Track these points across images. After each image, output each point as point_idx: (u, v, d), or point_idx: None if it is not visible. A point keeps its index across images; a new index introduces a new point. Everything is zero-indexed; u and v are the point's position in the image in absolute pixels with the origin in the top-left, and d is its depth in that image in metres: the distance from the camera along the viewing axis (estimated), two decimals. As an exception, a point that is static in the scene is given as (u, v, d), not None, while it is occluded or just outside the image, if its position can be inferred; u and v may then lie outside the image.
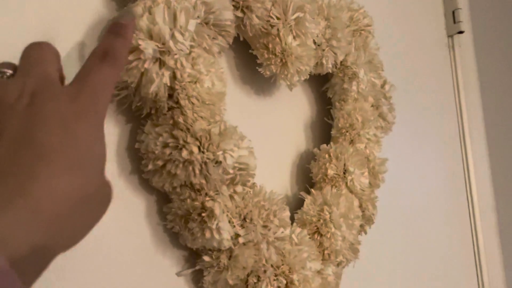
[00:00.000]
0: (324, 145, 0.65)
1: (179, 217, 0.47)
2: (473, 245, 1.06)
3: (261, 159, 0.61)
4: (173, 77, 0.45)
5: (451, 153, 1.06)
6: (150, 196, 0.49)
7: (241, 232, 0.48)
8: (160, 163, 0.45)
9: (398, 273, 0.87)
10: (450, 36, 1.09)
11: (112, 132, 0.47)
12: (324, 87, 0.70)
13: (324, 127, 0.69)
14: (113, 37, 0.39)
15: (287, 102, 0.67)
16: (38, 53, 0.37)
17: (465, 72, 1.09)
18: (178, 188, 0.47)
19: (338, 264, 0.60)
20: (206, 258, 0.48)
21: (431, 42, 1.07)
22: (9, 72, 0.36)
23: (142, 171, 0.47)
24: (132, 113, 0.47)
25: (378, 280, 0.82)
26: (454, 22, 1.08)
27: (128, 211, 0.47)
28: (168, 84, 0.44)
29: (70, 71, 0.43)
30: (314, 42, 0.62)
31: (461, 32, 1.08)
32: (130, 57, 0.43)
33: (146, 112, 0.46)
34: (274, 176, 0.64)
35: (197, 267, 0.50)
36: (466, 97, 1.07)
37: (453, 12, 1.09)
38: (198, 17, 0.47)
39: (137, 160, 0.47)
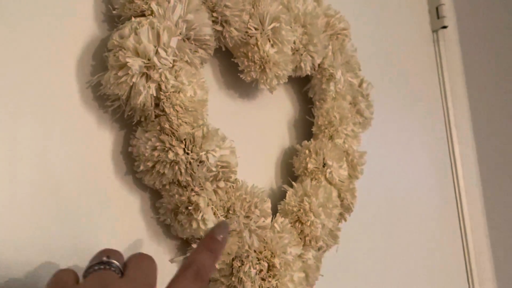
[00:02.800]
0: (305, 141, 0.71)
1: (169, 211, 0.54)
2: (462, 238, 1.11)
3: (248, 156, 0.68)
4: (159, 88, 0.51)
5: (437, 147, 1.11)
6: (144, 193, 0.55)
7: (225, 222, 0.54)
8: (150, 164, 0.51)
9: (388, 267, 0.92)
10: (435, 31, 1.14)
11: (108, 138, 0.53)
12: (305, 88, 0.76)
13: (306, 125, 0.75)
14: (207, 255, 0.42)
15: (271, 103, 0.73)
16: (149, 266, 0.42)
17: (450, 65, 1.14)
18: (167, 185, 0.53)
19: (319, 249, 0.66)
20: (194, 246, 0.55)
21: (416, 38, 1.12)
22: (116, 264, 0.40)
23: (135, 171, 0.53)
24: (125, 121, 0.54)
25: (369, 273, 0.88)
26: (438, 17, 1.13)
27: (124, 207, 0.54)
28: (154, 95, 0.51)
29: (67, 85, 0.50)
30: (293, 48, 0.68)
31: (444, 27, 1.12)
32: (120, 73, 0.49)
33: (136, 120, 0.52)
34: (260, 171, 0.70)
35: (188, 254, 0.56)
36: (451, 90, 1.12)
37: (437, 8, 1.14)
38: (180, 33, 0.54)
39: (131, 162, 0.53)
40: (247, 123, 0.69)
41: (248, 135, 0.69)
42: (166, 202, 0.54)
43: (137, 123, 0.53)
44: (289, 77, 0.73)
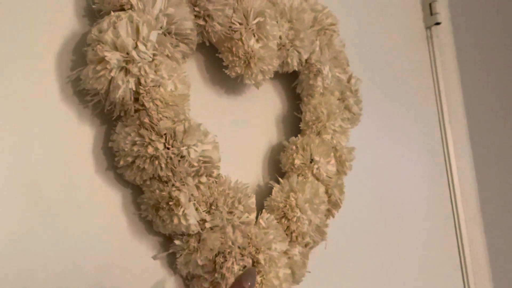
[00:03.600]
0: (293, 137, 0.70)
1: (150, 207, 0.53)
2: (457, 239, 1.10)
3: (235, 152, 0.68)
4: (138, 83, 0.50)
5: (432, 144, 1.10)
6: (125, 189, 0.55)
7: (207, 218, 0.54)
8: (130, 159, 0.51)
9: (381, 266, 0.91)
10: (428, 27, 1.13)
11: (89, 133, 0.53)
12: (293, 84, 0.75)
13: (294, 121, 0.74)
14: None
15: (259, 99, 0.72)
16: None
17: (444, 62, 1.13)
18: (148, 181, 0.53)
19: (306, 245, 0.65)
20: (177, 242, 0.54)
21: (409, 34, 1.12)
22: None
23: (116, 167, 0.53)
24: (106, 116, 0.53)
25: (363, 272, 0.87)
26: (431, 14, 1.13)
27: (106, 203, 0.53)
28: (134, 89, 0.50)
29: (47, 80, 0.50)
30: (279, 43, 0.67)
31: (438, 24, 1.12)
32: (98, 67, 0.49)
33: (116, 115, 0.52)
34: (247, 167, 0.69)
35: (170, 251, 0.56)
36: (445, 86, 1.11)
37: (430, 5, 1.13)
38: (160, 27, 0.53)
39: (112, 157, 0.53)
40: (233, 119, 0.69)
41: (235, 131, 0.69)
42: (147, 198, 0.53)
43: (117, 118, 0.52)
44: (277, 73, 0.72)
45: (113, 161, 0.53)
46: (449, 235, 1.10)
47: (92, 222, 0.52)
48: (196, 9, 0.57)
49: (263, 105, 0.73)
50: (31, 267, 0.47)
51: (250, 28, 0.62)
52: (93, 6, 0.53)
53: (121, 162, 0.51)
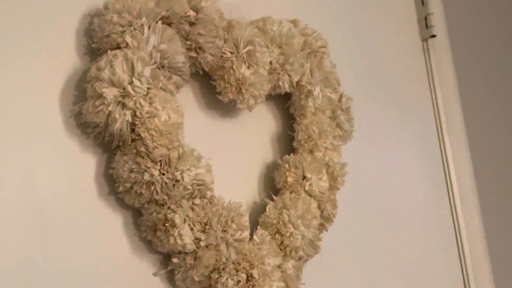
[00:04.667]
0: (286, 156, 0.74)
1: (149, 228, 0.58)
2: (457, 240, 1.12)
3: (233, 171, 0.72)
4: (134, 115, 0.55)
5: (431, 157, 1.13)
6: (126, 212, 0.59)
7: (202, 236, 0.58)
8: (128, 185, 0.56)
9: (382, 274, 0.94)
10: (425, 40, 1.17)
11: (91, 161, 0.58)
12: (287, 104, 0.79)
13: (289, 140, 0.78)
14: None
15: (254, 120, 0.77)
16: None
17: (441, 74, 1.16)
18: (145, 204, 0.57)
19: (299, 259, 0.69)
20: (174, 260, 0.59)
21: (406, 47, 1.15)
22: None
23: (117, 192, 0.57)
24: (106, 145, 0.58)
25: (365, 279, 0.90)
26: (427, 27, 1.16)
27: (108, 225, 0.58)
28: (130, 121, 0.55)
29: (52, 114, 0.55)
30: (270, 68, 0.72)
31: (433, 36, 1.15)
32: (97, 103, 0.54)
33: (115, 144, 0.57)
34: (243, 185, 0.74)
35: (169, 268, 0.60)
36: (443, 98, 1.14)
37: (425, 18, 1.16)
38: (154, 62, 0.58)
39: (112, 183, 0.58)
40: (230, 140, 0.73)
41: (231, 151, 0.73)
42: (145, 220, 0.58)
43: (116, 147, 0.57)
44: (271, 95, 0.76)
45: (114, 186, 0.57)
46: (450, 243, 1.12)
47: (96, 243, 0.57)
48: (188, 42, 0.62)
49: (258, 125, 0.77)
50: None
51: (240, 57, 0.67)
52: (93, 45, 0.58)
53: (120, 188, 0.56)
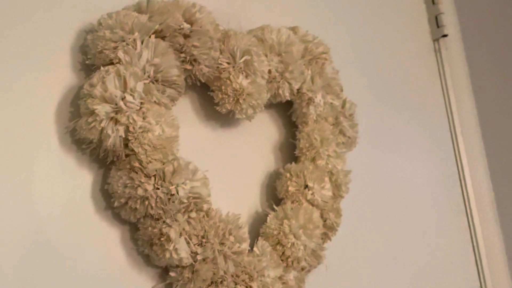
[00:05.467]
0: (288, 165, 0.74)
1: (146, 242, 0.58)
2: (473, 244, 1.09)
3: (235, 181, 0.72)
4: (127, 130, 0.55)
5: (444, 158, 1.10)
6: (123, 226, 0.60)
7: (199, 250, 0.58)
8: (123, 200, 0.56)
9: (395, 284, 0.93)
10: (436, 40, 1.14)
11: (88, 177, 0.58)
12: (289, 112, 0.79)
13: (292, 148, 0.77)
14: None
15: (255, 128, 0.76)
16: None
17: (454, 74, 1.13)
18: (141, 219, 0.57)
19: (302, 269, 0.68)
20: (172, 273, 0.59)
21: (417, 48, 1.13)
22: None
23: (113, 207, 0.58)
24: (102, 161, 0.58)
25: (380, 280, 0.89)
26: (438, 26, 1.13)
27: (107, 240, 0.58)
28: (123, 136, 0.55)
29: (48, 130, 0.55)
30: (269, 77, 0.71)
31: (445, 36, 1.12)
32: (90, 119, 0.54)
33: (110, 160, 0.57)
34: (246, 195, 0.73)
35: (167, 282, 0.60)
36: (456, 98, 1.12)
37: (436, 17, 1.14)
38: (148, 77, 0.58)
39: (109, 198, 0.58)
40: (231, 150, 0.73)
41: (233, 161, 0.73)
42: (142, 234, 0.58)
43: (111, 162, 0.57)
44: (272, 103, 0.76)
45: (110, 201, 0.58)
46: (466, 252, 1.09)
47: (95, 258, 0.57)
48: (182, 55, 0.62)
49: (261, 134, 0.77)
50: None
51: (238, 67, 0.66)
52: (87, 62, 0.59)
53: (116, 203, 0.56)
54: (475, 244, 1.07)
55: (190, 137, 0.69)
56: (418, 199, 1.02)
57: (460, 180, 1.09)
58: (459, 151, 1.09)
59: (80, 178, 0.58)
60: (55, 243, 0.55)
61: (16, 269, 0.51)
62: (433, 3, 1.15)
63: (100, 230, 0.58)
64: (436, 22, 1.14)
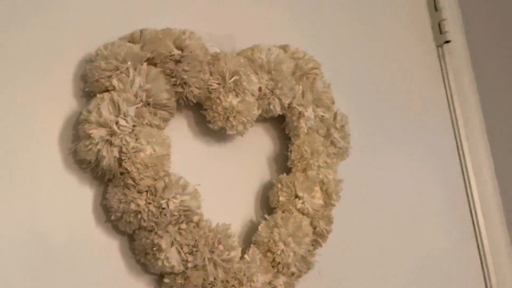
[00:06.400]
0: (280, 175, 0.78)
1: (141, 252, 0.64)
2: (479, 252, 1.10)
3: (231, 191, 0.77)
4: (121, 151, 0.61)
5: (449, 164, 1.11)
6: (122, 237, 0.66)
7: (189, 258, 0.64)
8: (119, 214, 0.62)
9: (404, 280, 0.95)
10: (440, 46, 1.16)
11: (89, 193, 0.65)
12: (282, 125, 0.83)
13: (286, 160, 0.81)
14: None
15: (250, 142, 0.81)
16: None
17: (458, 78, 1.15)
18: (136, 230, 0.63)
19: (292, 274, 0.73)
20: (165, 280, 0.65)
21: (420, 54, 1.15)
22: None
23: (111, 220, 0.64)
24: (101, 178, 0.65)
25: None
26: (441, 32, 1.16)
27: (107, 250, 0.65)
28: (118, 157, 0.61)
29: (52, 152, 0.62)
30: (260, 94, 0.76)
31: (448, 42, 1.14)
32: (87, 142, 0.60)
33: (107, 178, 0.63)
34: (242, 204, 0.78)
35: (162, 287, 0.66)
36: (461, 105, 1.13)
37: (439, 23, 1.16)
38: (141, 101, 0.64)
39: (108, 211, 0.64)
40: (226, 163, 0.78)
41: (229, 173, 0.78)
42: (137, 245, 0.64)
43: (108, 180, 0.64)
44: (266, 117, 0.81)
45: (109, 215, 0.64)
46: (472, 259, 1.10)
47: (96, 266, 0.63)
48: (173, 79, 0.68)
49: (255, 147, 0.82)
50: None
51: (227, 87, 0.72)
52: (86, 89, 0.65)
53: (113, 217, 0.63)
54: (481, 250, 1.08)
55: (187, 152, 0.74)
56: (422, 206, 1.04)
57: (466, 186, 1.10)
58: (465, 160, 1.11)
59: (82, 194, 0.64)
60: (60, 253, 0.61)
61: (24, 276, 0.58)
62: (436, 9, 1.17)
63: (101, 241, 0.64)
64: (439, 28, 1.16)
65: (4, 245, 0.59)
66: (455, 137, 1.12)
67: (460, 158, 1.11)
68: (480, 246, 1.08)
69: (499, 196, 1.12)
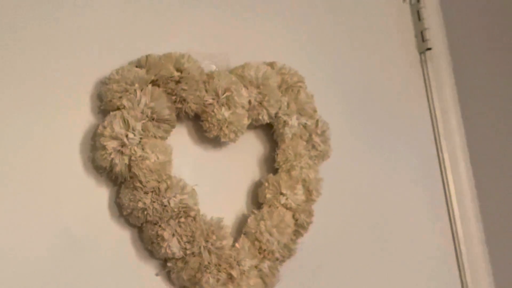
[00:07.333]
0: (268, 175, 0.91)
1: (148, 241, 0.78)
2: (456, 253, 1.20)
3: (226, 188, 0.90)
4: (130, 159, 0.75)
5: (428, 168, 1.20)
6: (133, 229, 0.80)
7: (187, 246, 0.77)
8: (129, 210, 0.76)
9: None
10: (422, 52, 1.27)
11: (105, 193, 0.79)
12: (271, 132, 0.96)
13: (274, 162, 0.94)
14: None
15: (244, 146, 0.94)
16: None
17: (439, 83, 1.25)
18: (144, 224, 0.77)
19: (276, 259, 0.86)
20: (169, 264, 0.78)
21: (404, 60, 1.26)
22: None
23: (124, 215, 0.78)
24: (115, 181, 0.79)
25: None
26: (423, 40, 1.27)
27: (121, 240, 0.79)
28: (128, 164, 0.75)
29: (74, 159, 0.76)
30: (250, 106, 0.89)
31: (429, 49, 1.26)
32: (102, 152, 0.74)
33: (120, 181, 0.77)
34: (236, 200, 0.91)
35: (166, 270, 0.80)
36: (441, 107, 1.23)
37: (422, 32, 1.27)
38: (146, 117, 0.78)
39: (121, 208, 0.78)
40: (222, 165, 0.91)
41: (224, 174, 0.92)
42: (145, 235, 0.78)
43: (121, 182, 0.78)
44: (256, 125, 0.94)
45: (122, 211, 0.78)
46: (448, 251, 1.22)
47: (112, 253, 0.78)
48: (174, 97, 0.81)
49: (248, 151, 0.95)
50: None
51: (221, 101, 0.85)
52: (101, 107, 0.79)
53: (125, 213, 0.77)
54: (457, 249, 1.18)
55: (187, 156, 0.88)
56: (402, 208, 1.12)
57: (445, 192, 1.20)
58: (443, 159, 1.21)
59: (99, 194, 0.79)
60: (81, 242, 0.75)
61: (52, 262, 0.73)
62: (419, 19, 1.28)
63: (115, 232, 0.78)
64: (422, 36, 1.27)
65: (35, 236, 0.73)
66: (435, 139, 1.23)
67: (439, 159, 1.22)
68: (456, 241, 1.19)
69: (476, 200, 1.22)
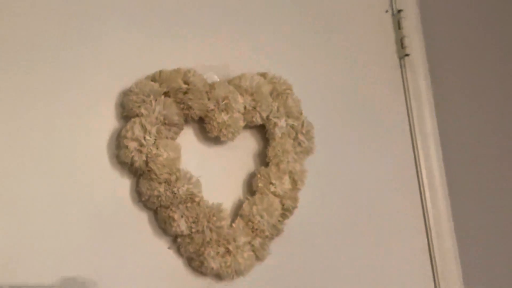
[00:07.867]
0: (261, 168, 1.10)
1: (161, 221, 0.97)
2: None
3: (226, 179, 1.09)
4: (147, 156, 0.94)
5: (403, 162, 1.33)
6: (150, 212, 0.99)
7: (193, 226, 0.97)
8: (146, 197, 0.95)
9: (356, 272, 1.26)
10: (401, 58, 1.44)
11: (127, 182, 0.98)
12: (264, 131, 1.15)
13: (265, 156, 1.13)
14: None
15: (242, 144, 1.12)
16: None
17: (416, 88, 1.42)
18: (158, 208, 0.97)
19: (266, 237, 1.05)
20: (178, 239, 0.98)
21: (385, 64, 1.43)
22: None
23: (143, 200, 0.97)
24: (135, 173, 0.98)
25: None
26: (402, 47, 1.44)
27: (140, 220, 0.98)
28: (145, 160, 0.94)
29: (101, 156, 0.96)
30: (245, 111, 1.07)
31: (407, 55, 1.43)
32: (125, 150, 0.94)
33: (139, 173, 0.97)
34: (234, 188, 1.10)
35: (176, 244, 0.99)
36: (418, 116, 1.39)
37: (401, 39, 1.44)
38: (159, 122, 0.97)
39: (140, 195, 0.98)
40: (224, 160, 1.10)
41: (225, 166, 1.11)
42: (159, 217, 0.97)
43: (140, 174, 0.97)
44: (251, 126, 1.12)
45: (141, 197, 0.98)
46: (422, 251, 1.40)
47: (133, 232, 0.97)
48: (182, 105, 1.00)
49: (244, 147, 1.13)
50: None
51: (220, 108, 1.03)
52: (124, 114, 0.98)
53: (143, 199, 0.96)
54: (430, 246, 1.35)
55: (193, 153, 1.07)
56: (379, 207, 1.28)
57: (420, 192, 1.36)
58: (419, 158, 1.38)
59: (123, 184, 0.98)
60: (108, 222, 0.95)
61: (85, 238, 0.93)
62: (399, 27, 1.44)
63: (135, 214, 0.98)
64: (401, 43, 1.44)
65: (71, 218, 0.92)
66: (411, 138, 1.39)
67: (415, 158, 1.39)
68: (429, 235, 1.36)
69: (448, 198, 1.37)
